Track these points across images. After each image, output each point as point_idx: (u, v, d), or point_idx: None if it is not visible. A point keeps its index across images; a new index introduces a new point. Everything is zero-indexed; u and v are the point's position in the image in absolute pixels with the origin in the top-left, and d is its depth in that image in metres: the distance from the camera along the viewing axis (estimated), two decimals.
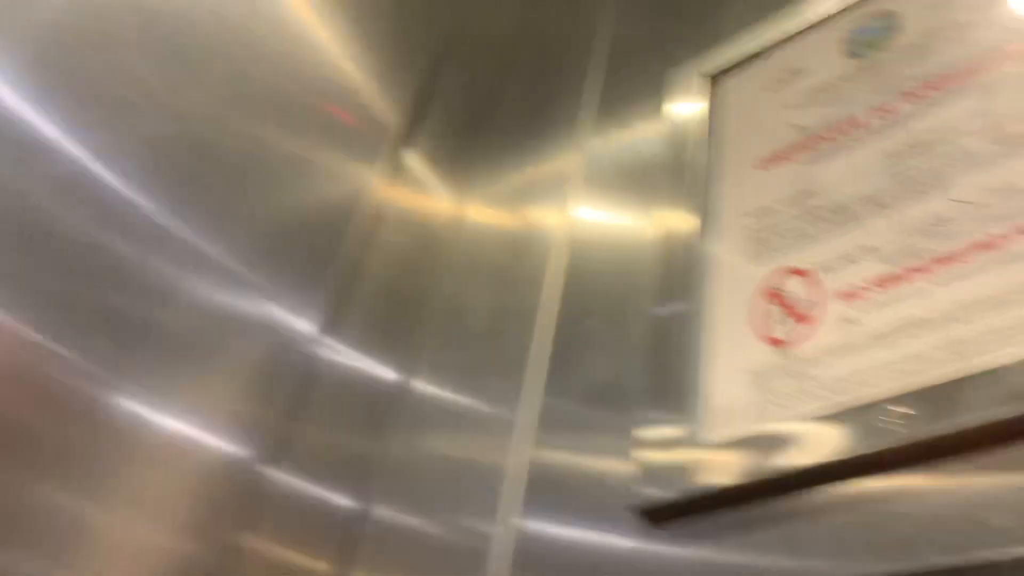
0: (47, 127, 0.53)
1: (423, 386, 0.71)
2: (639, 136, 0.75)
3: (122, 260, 0.55)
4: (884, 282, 0.45)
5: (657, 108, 0.73)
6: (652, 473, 0.46)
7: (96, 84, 0.57)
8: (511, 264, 0.75)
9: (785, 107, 0.60)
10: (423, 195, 0.85)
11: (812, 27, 0.64)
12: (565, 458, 0.56)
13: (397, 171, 0.81)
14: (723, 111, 0.66)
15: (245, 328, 0.63)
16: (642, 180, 0.70)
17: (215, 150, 0.65)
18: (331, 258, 0.72)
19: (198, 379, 0.59)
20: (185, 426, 0.56)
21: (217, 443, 0.58)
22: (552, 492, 0.54)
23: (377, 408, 0.70)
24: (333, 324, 0.69)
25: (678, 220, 0.60)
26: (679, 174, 0.64)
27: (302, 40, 0.75)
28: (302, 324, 0.67)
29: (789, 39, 0.65)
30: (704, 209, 0.59)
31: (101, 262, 0.54)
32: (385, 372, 0.72)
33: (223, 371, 0.61)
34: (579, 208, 0.74)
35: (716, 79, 0.68)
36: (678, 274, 0.57)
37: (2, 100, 0.51)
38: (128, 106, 0.58)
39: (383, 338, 0.74)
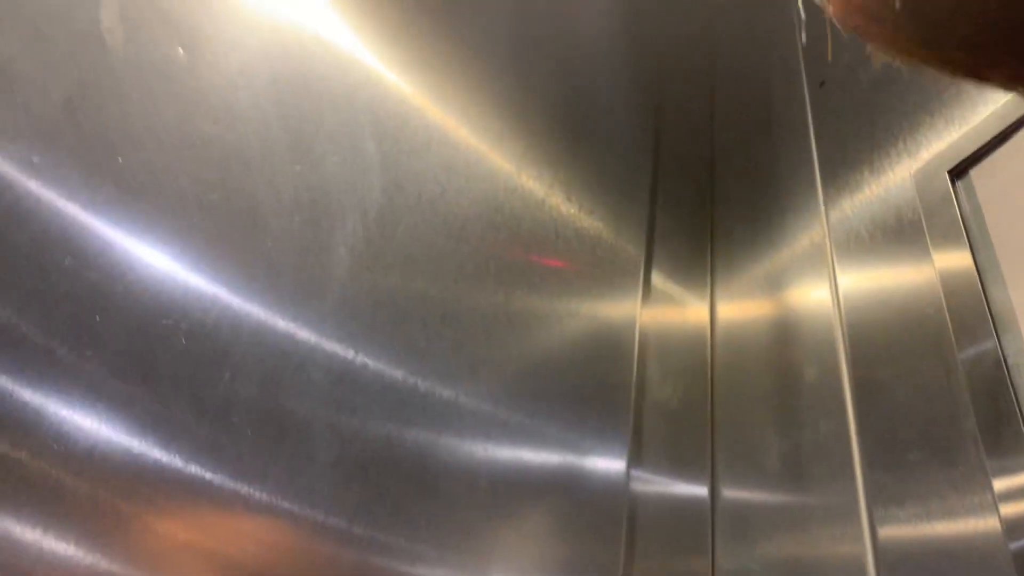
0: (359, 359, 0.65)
1: (734, 494, 0.76)
2: (882, 198, 0.79)
3: (420, 443, 0.63)
4: None
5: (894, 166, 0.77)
6: None
7: (378, 313, 0.67)
8: (784, 349, 0.79)
9: None
10: (678, 309, 0.92)
11: None
12: (919, 530, 0.59)
13: (650, 297, 0.89)
14: (973, 200, 0.69)
15: (556, 480, 0.69)
16: (897, 243, 0.73)
17: (483, 325, 0.74)
18: (620, 399, 0.79)
19: (517, 536, 0.64)
20: None
21: None
22: (916, 565, 0.57)
23: (699, 526, 0.76)
24: (637, 457, 0.76)
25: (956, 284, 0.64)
26: (940, 239, 0.68)
27: (548, 218, 0.85)
28: (610, 464, 0.74)
29: None
30: (986, 300, 0.63)
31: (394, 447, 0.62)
32: (696, 490, 0.78)
33: (545, 524, 0.66)
34: (842, 277, 0.78)
35: (957, 170, 0.72)
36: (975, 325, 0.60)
37: (336, 357, 0.62)
38: (400, 316, 0.68)
39: (682, 456, 0.80)
